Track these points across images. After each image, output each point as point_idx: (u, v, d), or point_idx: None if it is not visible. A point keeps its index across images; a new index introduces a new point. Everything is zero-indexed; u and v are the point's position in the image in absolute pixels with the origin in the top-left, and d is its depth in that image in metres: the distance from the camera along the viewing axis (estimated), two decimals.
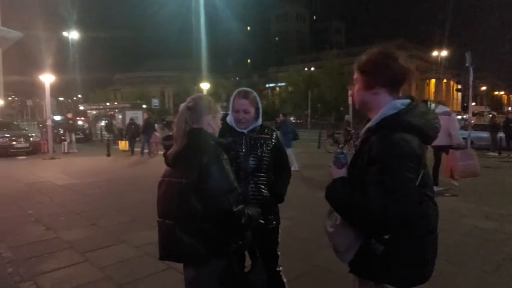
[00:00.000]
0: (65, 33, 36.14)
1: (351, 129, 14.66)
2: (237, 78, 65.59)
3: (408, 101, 1.48)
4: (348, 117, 15.59)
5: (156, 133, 15.10)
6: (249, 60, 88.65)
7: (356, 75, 1.56)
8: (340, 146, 14.40)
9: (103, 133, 22.74)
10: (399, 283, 1.44)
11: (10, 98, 59.11)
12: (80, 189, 7.74)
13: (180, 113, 1.92)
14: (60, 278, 3.40)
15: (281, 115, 10.37)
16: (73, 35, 35.49)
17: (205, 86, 20.61)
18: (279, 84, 56.59)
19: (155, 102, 27.22)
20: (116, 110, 26.56)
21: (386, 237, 1.39)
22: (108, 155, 13.99)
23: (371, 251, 1.42)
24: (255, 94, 2.38)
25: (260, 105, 2.38)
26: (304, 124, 38.87)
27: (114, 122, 23.81)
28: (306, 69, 49.35)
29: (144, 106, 27.95)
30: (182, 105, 1.97)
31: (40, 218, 5.42)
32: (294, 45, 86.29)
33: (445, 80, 60.03)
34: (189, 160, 1.76)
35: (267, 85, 62.31)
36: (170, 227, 1.79)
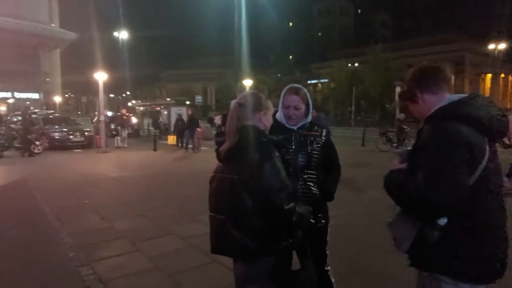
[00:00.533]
0: (115, 33, 38.12)
1: (406, 127, 13.96)
2: (279, 75, 65.35)
3: (464, 94, 1.53)
4: (402, 115, 14.84)
5: (198, 129, 15.47)
6: (290, 56, 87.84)
7: (407, 105, 1.73)
8: (394, 145, 13.79)
9: (150, 128, 23.76)
10: (455, 275, 1.42)
11: (66, 95, 63.59)
12: (130, 182, 8.16)
13: (232, 110, 1.93)
14: (114, 265, 3.61)
15: (313, 111, 10.17)
16: (122, 35, 37.33)
17: (247, 82, 20.73)
18: (322, 80, 55.47)
19: (199, 98, 27.92)
20: (162, 107, 27.58)
21: (442, 224, 1.39)
22: (155, 149, 14.59)
23: (426, 239, 1.43)
24: (306, 90, 2.35)
25: (310, 102, 2.35)
26: (348, 122, 37.88)
27: (160, 119, 24.76)
28: (349, 64, 47.93)
29: (188, 102, 28.76)
30: (233, 102, 1.99)
31: (95, 208, 5.78)
32: (337, 40, 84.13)
33: (502, 75, 55.49)
34: (241, 157, 1.77)
35: (309, 82, 61.39)
36: (222, 222, 1.81)
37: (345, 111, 46.46)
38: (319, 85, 56.96)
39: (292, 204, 1.73)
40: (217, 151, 1.92)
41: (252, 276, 1.84)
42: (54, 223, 4.96)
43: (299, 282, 1.92)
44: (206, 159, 12.23)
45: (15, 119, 19.23)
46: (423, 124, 1.54)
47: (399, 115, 14.96)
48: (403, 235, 1.51)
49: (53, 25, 39.84)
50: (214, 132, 20.65)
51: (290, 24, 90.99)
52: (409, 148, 1.65)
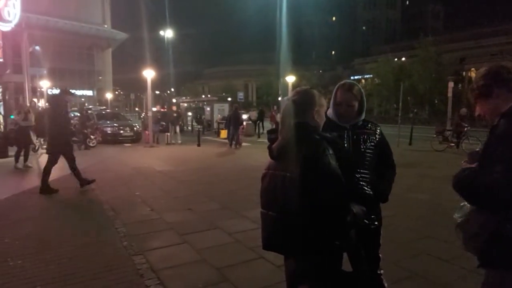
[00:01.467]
0: (161, 32, 39.62)
1: (466, 125, 12.91)
2: (320, 71, 64.22)
3: None
4: (464, 109, 13.56)
5: (241, 126, 15.62)
6: (333, 52, 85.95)
7: (476, 102, 1.70)
8: (452, 144, 12.88)
9: (194, 124, 24.47)
10: None
11: (116, 92, 67.19)
12: (175, 176, 8.46)
13: (285, 107, 1.92)
14: (165, 256, 3.77)
15: None
16: (168, 33, 38.68)
17: (290, 79, 20.59)
18: (365, 76, 53.75)
19: (241, 95, 28.34)
20: (205, 103, 28.25)
21: None
22: (199, 145, 15.00)
23: (502, 235, 1.38)
24: (360, 86, 2.28)
25: (364, 99, 2.27)
26: (393, 119, 36.33)
27: (204, 116, 25.40)
28: (396, 59, 45.86)
29: (229, 99, 29.22)
30: (286, 99, 1.98)
31: (145, 200, 6.07)
32: (383, 33, 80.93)
33: None
34: (293, 154, 1.76)
35: (352, 78, 59.80)
36: (274, 218, 1.82)
37: (390, 108, 44.57)
38: (363, 81, 55.22)
39: (345, 203, 1.69)
40: (269, 148, 1.92)
41: (303, 274, 1.83)
42: (109, 213, 5.28)
43: (352, 283, 1.88)
44: (248, 155, 12.37)
45: (73, 115, 20.68)
46: (497, 120, 1.52)
47: (461, 110, 13.69)
48: (476, 233, 1.48)
49: (106, 26, 42.26)
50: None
51: (333, 18, 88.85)
52: (477, 149, 1.62)
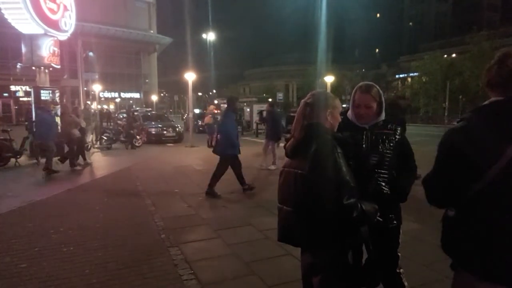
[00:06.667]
0: (203, 35, 40.77)
1: None
2: (364, 70, 62.34)
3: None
4: None
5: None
6: (377, 50, 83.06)
7: None
8: None
9: None
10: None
11: (162, 94, 70.13)
12: None
13: (300, 108, 2.04)
14: (198, 249, 4.01)
15: None
16: (210, 36, 39.73)
17: (329, 79, 20.31)
18: (411, 74, 51.30)
19: (280, 96, 28.38)
20: (245, 104, 28.63)
21: (450, 215, 1.50)
22: None
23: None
24: (378, 88, 2.32)
25: (383, 100, 2.31)
26: (441, 119, 34.50)
27: (243, 116, 25.77)
28: (445, 56, 43.25)
29: (270, 99, 29.37)
30: (302, 101, 2.09)
31: (183, 197, 6.42)
32: (431, 29, 76.67)
33: None
34: (304, 153, 1.87)
35: (397, 76, 57.41)
36: (288, 213, 1.96)
37: (438, 108, 42.23)
38: (409, 79, 52.79)
39: (352, 200, 1.75)
40: (284, 147, 2.06)
41: (316, 267, 1.93)
42: (150, 208, 5.67)
43: (363, 278, 1.95)
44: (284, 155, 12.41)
45: (121, 116, 22.03)
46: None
47: None
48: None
49: (152, 31, 44.40)
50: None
51: (378, 15, 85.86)
52: None
